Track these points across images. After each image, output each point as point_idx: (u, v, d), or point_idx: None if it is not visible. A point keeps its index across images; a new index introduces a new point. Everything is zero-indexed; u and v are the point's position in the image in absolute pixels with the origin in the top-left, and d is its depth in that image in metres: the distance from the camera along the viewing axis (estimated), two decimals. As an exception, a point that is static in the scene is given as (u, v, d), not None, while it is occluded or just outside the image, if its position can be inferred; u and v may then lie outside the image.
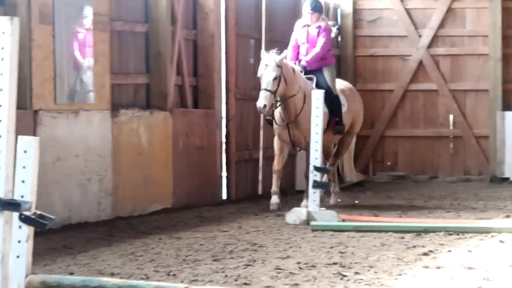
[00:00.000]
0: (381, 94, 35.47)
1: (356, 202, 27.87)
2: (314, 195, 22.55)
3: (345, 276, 14.89)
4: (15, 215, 11.37)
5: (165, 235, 20.57)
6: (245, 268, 16.01)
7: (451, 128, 34.77)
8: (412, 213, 25.33)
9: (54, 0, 21.50)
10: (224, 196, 28.19)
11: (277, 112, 19.44)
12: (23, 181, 11.41)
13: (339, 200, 22.35)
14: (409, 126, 35.26)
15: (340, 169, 24.39)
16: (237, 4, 28.85)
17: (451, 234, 20.03)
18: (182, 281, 14.42)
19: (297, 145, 20.83)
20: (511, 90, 34.11)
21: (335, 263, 16.16)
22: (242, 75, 29.27)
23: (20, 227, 11.34)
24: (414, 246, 18.10)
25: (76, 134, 21.91)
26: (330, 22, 20.86)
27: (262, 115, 23.22)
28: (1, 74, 10.98)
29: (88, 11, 22.61)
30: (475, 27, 34.62)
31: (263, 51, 18.75)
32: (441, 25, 34.76)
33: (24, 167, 11.39)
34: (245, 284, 14.35)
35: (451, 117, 34.55)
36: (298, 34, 19.78)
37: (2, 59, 11.28)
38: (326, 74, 19.69)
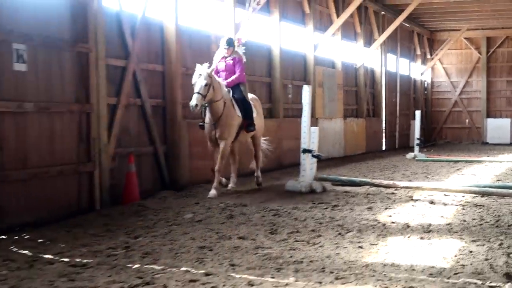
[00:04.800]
0: (441, 112, 34.61)
1: (431, 150, 26.55)
2: (417, 147, 22.32)
3: (428, 177, 15.51)
4: (309, 155, 12.59)
5: (362, 162, 20.57)
6: (392, 173, 16.64)
7: (466, 124, 34.05)
8: (456, 153, 24.36)
9: (323, 76, 21.04)
10: (383, 148, 27.54)
11: (207, 117, 12.15)
12: (312, 142, 12.71)
13: (234, 186, 13.06)
14: (451, 123, 34.54)
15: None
16: (388, 77, 27.77)
17: (468, 162, 19.90)
18: (369, 178, 14.63)
19: (218, 140, 12.22)
20: (490, 110, 33.60)
21: (424, 173, 16.71)
22: (390, 105, 28.40)
23: (311, 158, 12.69)
24: (459, 169, 17.85)
25: (331, 126, 21.75)
26: (240, 51, 13.08)
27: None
28: (304, 111, 12.66)
29: (337, 82, 22.17)
30: (477, 88, 33.79)
31: (198, 64, 11.85)
32: (464, 86, 34.07)
33: (312, 138, 12.71)
34: (391, 180, 14.30)
35: (467, 121, 34.07)
36: (219, 65, 12.60)
37: (305, 101, 12.70)
38: (242, 88, 12.70)
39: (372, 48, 25.31)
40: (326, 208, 10.43)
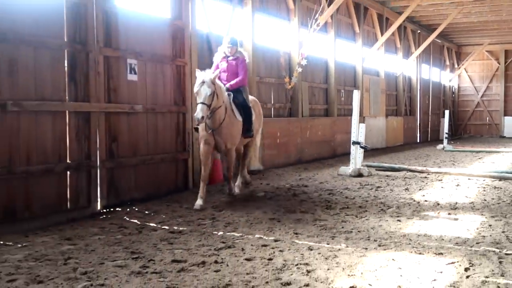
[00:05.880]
0: (465, 112, 32.93)
1: (458, 142, 25.47)
2: (445, 140, 21.36)
3: (454, 165, 14.90)
4: (358, 146, 12.44)
5: (399, 152, 19.84)
6: (425, 161, 16.17)
7: (487, 121, 32.39)
8: (478, 145, 23.09)
9: (370, 83, 20.51)
10: (418, 140, 26.54)
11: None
12: (360, 136, 12.46)
13: (239, 191, 9.65)
14: (474, 120, 32.91)
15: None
16: (422, 83, 27.07)
17: (488, 152, 19.06)
18: (406, 165, 14.23)
19: (219, 149, 8.94)
20: (507, 110, 31.84)
21: (451, 161, 16.17)
22: (424, 106, 27.37)
23: (359, 149, 12.48)
24: (480, 158, 17.22)
25: (375, 123, 21.20)
26: (244, 52, 9.40)
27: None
28: (354, 111, 12.26)
29: (381, 87, 21.70)
30: (496, 91, 32.19)
31: (197, 70, 8.45)
32: (485, 90, 32.45)
33: (360, 132, 12.46)
34: (424, 166, 14.12)
35: (487, 118, 32.36)
36: (220, 64, 9.22)
37: (355, 103, 12.27)
38: (243, 91, 9.20)
39: (409, 60, 24.86)
40: (371, 189, 10.30)
